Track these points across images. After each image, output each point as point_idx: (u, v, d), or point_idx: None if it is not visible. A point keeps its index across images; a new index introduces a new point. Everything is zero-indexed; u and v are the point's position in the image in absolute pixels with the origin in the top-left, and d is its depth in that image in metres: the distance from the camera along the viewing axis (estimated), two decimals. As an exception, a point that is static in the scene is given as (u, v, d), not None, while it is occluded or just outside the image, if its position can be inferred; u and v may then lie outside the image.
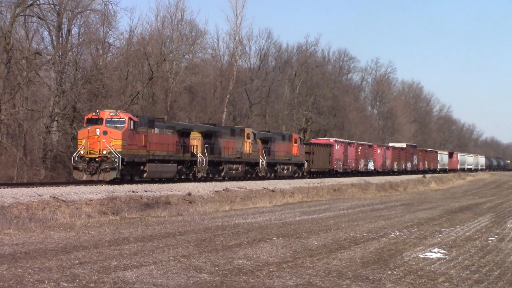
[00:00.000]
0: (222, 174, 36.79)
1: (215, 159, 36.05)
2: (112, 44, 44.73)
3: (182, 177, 33.81)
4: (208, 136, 35.70)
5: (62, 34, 40.10)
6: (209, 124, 40.44)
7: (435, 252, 13.74)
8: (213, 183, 35.78)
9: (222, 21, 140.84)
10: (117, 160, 27.03)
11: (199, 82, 51.50)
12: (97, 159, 27.39)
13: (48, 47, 41.54)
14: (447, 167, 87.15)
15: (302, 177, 46.47)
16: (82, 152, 27.76)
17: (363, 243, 15.02)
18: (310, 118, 70.60)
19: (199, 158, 34.43)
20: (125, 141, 28.00)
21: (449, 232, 18.45)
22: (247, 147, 38.70)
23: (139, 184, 30.20)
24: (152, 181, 33.28)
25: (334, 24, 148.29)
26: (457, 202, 34.67)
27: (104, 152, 27.25)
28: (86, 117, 29.58)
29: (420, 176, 67.52)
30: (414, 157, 73.38)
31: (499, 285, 9.98)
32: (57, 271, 10.08)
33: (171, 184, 32.15)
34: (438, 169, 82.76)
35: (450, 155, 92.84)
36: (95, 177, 27.33)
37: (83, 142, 27.84)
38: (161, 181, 33.00)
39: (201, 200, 28.86)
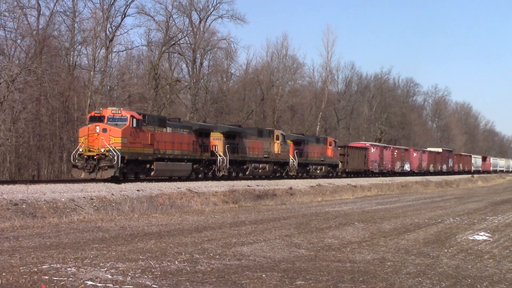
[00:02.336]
0: (247, 172, 38.00)
1: (238, 158, 36.69)
2: (233, 73, 65.49)
3: (200, 175, 33.73)
4: (231, 137, 36.30)
5: (196, 66, 57.60)
6: (234, 125, 42.15)
7: (481, 235, 16.96)
8: (308, 180, 42.20)
9: (317, 56, 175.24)
10: (115, 158, 26.02)
11: (298, 102, 69.84)
12: (95, 157, 26.40)
13: (186, 76, 59.04)
14: (480, 169, 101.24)
15: (337, 176, 51.23)
16: (80, 150, 27.05)
17: (425, 227, 19.00)
18: (383, 130, 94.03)
19: (219, 157, 34.59)
20: (126, 139, 27.00)
21: (493, 219, 22.30)
22: (276, 147, 40.94)
23: (252, 180, 35.87)
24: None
25: (403, 56, 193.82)
26: (499, 196, 41.72)
27: (102, 150, 26.30)
28: (89, 115, 29.01)
29: (469, 175, 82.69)
30: (450, 160, 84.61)
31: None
32: (191, 246, 13.40)
33: (276, 180, 38.88)
34: (472, 171, 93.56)
35: (484, 158, 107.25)
36: (93, 175, 26.54)
37: (82, 139, 27.11)
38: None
39: (300, 193, 34.99)
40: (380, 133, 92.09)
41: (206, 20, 57.44)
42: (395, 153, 64.73)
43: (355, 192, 39.41)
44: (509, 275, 10.99)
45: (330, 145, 50.08)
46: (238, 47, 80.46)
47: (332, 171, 50.88)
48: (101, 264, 10.63)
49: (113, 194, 23.02)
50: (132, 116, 27.49)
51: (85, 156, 26.55)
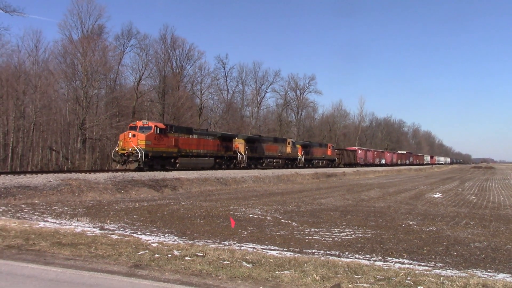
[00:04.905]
0: (264, 165, 54.52)
1: (255, 156, 52.34)
2: (316, 118, 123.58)
3: (223, 167, 46.12)
4: (251, 142, 51.84)
5: (298, 115, 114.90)
6: (256, 135, 61.29)
7: (437, 195, 31.96)
8: (355, 168, 73.35)
9: (354, 108, 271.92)
10: (140, 155, 34.21)
11: (347, 131, 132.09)
12: (125, 154, 34.67)
13: (293, 120, 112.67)
14: (429, 162, 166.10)
15: (335, 166, 75.78)
16: (117, 149, 35.83)
17: (409, 191, 34.11)
18: (388, 144, 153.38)
19: (239, 155, 48.63)
20: (150, 141, 35.17)
21: (442, 187, 41.50)
22: (288, 149, 60.40)
23: (332, 169, 60.73)
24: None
25: (400, 106, 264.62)
26: (445, 176, 77.35)
27: (130, 149, 34.47)
28: (129, 125, 37.46)
29: (425, 166, 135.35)
30: (411, 158, 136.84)
31: (462, 207, 26.15)
32: (297, 199, 26.89)
33: (337, 169, 65.43)
34: (424, 163, 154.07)
35: (431, 157, 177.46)
36: (124, 167, 34.74)
37: (120, 142, 35.64)
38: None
39: (349, 174, 58.58)
40: (386, 145, 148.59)
41: (303, 93, 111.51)
42: (375, 153, 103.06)
43: (375, 174, 68.44)
44: (451, 213, 22.07)
45: (329, 148, 76.73)
46: (318, 106, 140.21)
47: (331, 163, 76.02)
48: (255, 207, 22.59)
49: (260, 174, 41.04)
50: (156, 126, 36.38)
51: (119, 153, 35.12)
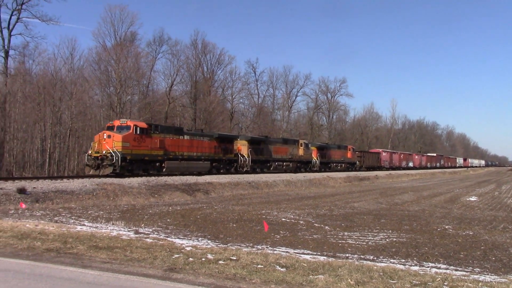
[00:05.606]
0: (271, 168, 49.31)
1: (261, 158, 47.27)
2: (347, 121, 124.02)
3: (222, 171, 41.28)
4: (255, 143, 46.63)
5: (330, 118, 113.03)
6: (262, 135, 54.79)
7: (473, 198, 30.95)
8: (387, 171, 70.39)
9: (386, 110, 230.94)
10: (115, 158, 30.32)
11: (379, 134, 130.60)
12: (99, 157, 30.88)
13: (325, 123, 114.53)
14: (462, 165, 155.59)
15: (355, 170, 70.64)
16: (90, 152, 32.08)
17: (444, 194, 33.46)
18: (422, 147, 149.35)
19: (241, 158, 43.81)
20: (128, 143, 31.28)
21: (478, 190, 40.33)
22: (300, 151, 55.26)
23: (362, 172, 59.85)
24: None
25: (433, 106, 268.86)
26: (481, 179, 76.31)
27: (104, 152, 30.73)
28: (107, 125, 33.82)
29: (459, 169, 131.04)
30: (441, 160, 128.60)
31: (500, 211, 25.52)
32: (329, 202, 26.73)
33: (369, 172, 63.13)
34: (456, 166, 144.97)
35: (464, 159, 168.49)
36: (97, 172, 30.77)
37: (94, 144, 31.93)
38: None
39: (382, 177, 57.97)
40: (419, 148, 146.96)
41: (334, 97, 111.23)
42: (401, 156, 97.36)
43: (408, 177, 67.32)
44: (488, 217, 21.61)
45: (349, 150, 71.75)
46: (350, 109, 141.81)
47: (351, 167, 70.61)
48: (288, 211, 22.58)
49: (292, 178, 41.20)
50: (136, 125, 32.20)
51: (93, 157, 31.36)
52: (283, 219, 19.23)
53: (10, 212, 18.50)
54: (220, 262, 9.33)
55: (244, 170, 44.37)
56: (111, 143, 30.72)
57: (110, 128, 32.20)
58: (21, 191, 21.53)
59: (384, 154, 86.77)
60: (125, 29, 65.50)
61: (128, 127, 31.86)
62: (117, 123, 32.65)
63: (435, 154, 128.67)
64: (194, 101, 70.64)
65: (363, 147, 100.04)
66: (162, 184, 28.88)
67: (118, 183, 26.79)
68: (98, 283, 7.63)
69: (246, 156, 44.67)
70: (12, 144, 48.45)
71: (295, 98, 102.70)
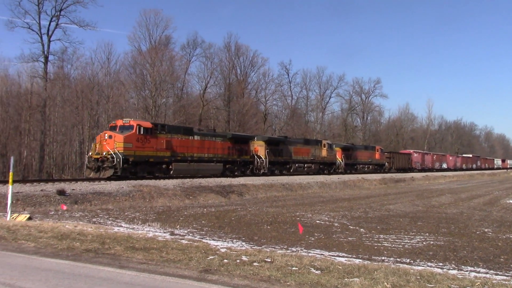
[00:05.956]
0: (291, 170, 46.84)
1: (280, 160, 45.01)
2: (382, 122, 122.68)
3: (236, 173, 38.85)
4: (273, 144, 44.24)
5: (364, 119, 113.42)
6: (281, 136, 52.04)
7: None
8: (424, 173, 69.89)
9: (422, 111, 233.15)
10: (116, 160, 28.61)
11: (415, 135, 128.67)
12: (99, 159, 29.19)
13: (359, 124, 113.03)
14: (501, 166, 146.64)
15: (384, 172, 67.74)
16: (90, 153, 30.61)
17: (483, 196, 32.48)
18: (459, 148, 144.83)
19: (257, 159, 41.63)
20: (130, 144, 29.59)
21: None
22: (323, 152, 52.85)
23: (398, 174, 58.39)
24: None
25: (471, 107, 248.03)
26: None
27: (104, 153, 29.13)
28: (109, 125, 32.19)
29: (498, 171, 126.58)
30: (478, 161, 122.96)
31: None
32: (364, 204, 26.45)
33: (405, 174, 62.22)
34: (494, 168, 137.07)
35: (503, 160, 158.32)
36: (97, 175, 29.16)
37: (96, 145, 30.27)
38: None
39: (418, 179, 57.90)
40: (457, 149, 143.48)
41: (368, 98, 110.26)
42: (434, 157, 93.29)
43: (445, 179, 66.15)
44: None
45: (377, 151, 68.87)
46: (384, 110, 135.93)
47: (379, 169, 68.17)
48: (322, 213, 22.43)
49: (326, 180, 40.84)
50: (139, 125, 30.48)
51: (93, 159, 29.74)
52: (318, 221, 19.11)
53: (50, 213, 19.00)
54: (255, 264, 9.35)
55: (261, 172, 42.41)
56: (112, 144, 29.23)
57: (113, 128, 30.74)
58: (61, 192, 22.09)
59: (415, 155, 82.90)
60: (160, 33, 66.59)
61: (131, 127, 30.31)
62: (119, 122, 31.06)
63: (471, 155, 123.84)
64: (228, 103, 71.08)
65: (399, 149, 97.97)
66: (196, 186, 29.14)
67: (154, 185, 27.17)
68: (135, 284, 7.75)
69: (263, 157, 42.60)
70: (52, 147, 49.81)
71: (329, 99, 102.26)
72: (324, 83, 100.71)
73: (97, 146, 29.78)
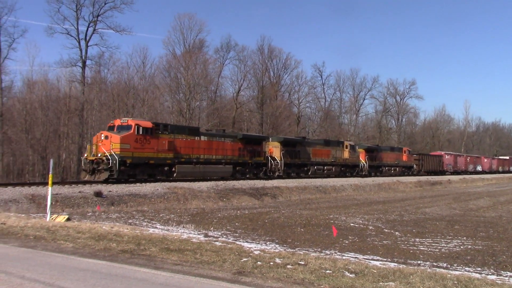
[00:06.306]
0: (309, 173, 44.36)
1: (297, 162, 42.55)
2: (417, 124, 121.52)
3: (247, 176, 36.80)
4: (290, 145, 41.98)
5: (399, 121, 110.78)
6: (298, 137, 49.61)
7: None
8: (459, 176, 68.84)
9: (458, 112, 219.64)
10: (112, 162, 27.02)
11: (451, 137, 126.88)
12: (95, 161, 27.58)
13: (394, 126, 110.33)
14: None
15: (412, 175, 65.12)
16: (85, 155, 29.06)
17: None
18: (498, 150, 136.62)
19: (271, 161, 39.37)
20: (128, 144, 27.90)
21: None
22: (345, 153, 50.33)
23: (433, 176, 57.65)
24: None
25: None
26: None
27: (99, 155, 27.46)
28: (108, 125, 30.48)
29: None
30: None
31: None
32: (399, 207, 26.02)
33: (442, 176, 61.67)
34: None
35: None
36: (92, 178, 27.73)
37: (92, 146, 28.79)
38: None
39: (455, 182, 56.41)
40: (495, 152, 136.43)
41: (403, 99, 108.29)
42: (468, 159, 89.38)
43: (484, 182, 64.99)
44: None
45: (404, 152, 65.65)
46: (420, 111, 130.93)
47: (407, 171, 65.27)
48: (356, 216, 22.21)
49: (360, 183, 40.67)
50: (138, 125, 28.64)
51: (88, 160, 28.11)
52: (352, 224, 18.95)
53: (88, 214, 19.44)
54: (288, 266, 9.33)
55: (276, 175, 40.06)
56: (108, 145, 27.53)
57: (111, 128, 29.13)
58: (98, 194, 22.57)
59: (447, 157, 79.14)
60: (194, 36, 67.35)
61: (129, 127, 28.54)
62: (117, 122, 29.39)
63: (507, 157, 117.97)
64: (261, 106, 71.25)
65: (434, 151, 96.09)
66: (230, 188, 29.30)
67: (188, 187, 27.46)
68: (169, 285, 7.85)
69: (278, 159, 40.19)
70: (89, 149, 50.87)
71: (363, 101, 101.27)
72: (358, 85, 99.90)
73: (94, 147, 28.41)
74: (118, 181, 27.95)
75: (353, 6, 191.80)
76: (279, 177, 39.68)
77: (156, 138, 29.61)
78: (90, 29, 56.78)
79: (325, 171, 46.71)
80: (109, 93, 55.07)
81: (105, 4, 57.24)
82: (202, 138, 33.27)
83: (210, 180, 33.33)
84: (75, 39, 56.24)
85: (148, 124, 29.49)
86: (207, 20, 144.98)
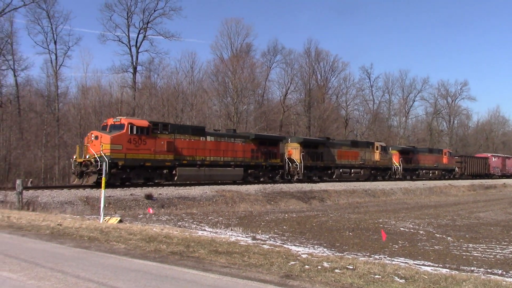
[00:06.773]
0: (334, 176, 41.03)
1: (319, 165, 39.21)
2: (470, 126, 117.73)
3: (262, 180, 34.06)
4: (311, 146, 38.67)
5: (450, 122, 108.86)
6: (321, 137, 45.57)
7: None
8: (511, 180, 63.70)
9: None
10: (102, 164, 23.90)
11: (507, 139, 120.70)
12: (83, 163, 25.44)
13: (445, 128, 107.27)
14: None
15: (454, 178, 59.75)
16: (74, 157, 26.55)
17: None
18: None
19: (289, 163, 36.38)
20: (120, 145, 25.58)
21: None
22: (376, 156, 46.85)
23: (488, 180, 56.85)
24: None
25: None
26: None
27: (87, 157, 25.24)
28: (102, 124, 28.42)
29: None
30: None
31: None
32: (452, 212, 25.29)
33: (497, 180, 58.89)
34: None
35: None
36: (80, 181, 25.71)
37: (82, 147, 26.53)
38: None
39: (510, 186, 55.02)
40: None
41: (455, 101, 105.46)
42: None
43: None
44: None
45: (445, 154, 60.74)
46: (472, 113, 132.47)
47: (448, 174, 60.33)
48: (406, 220, 21.90)
49: (410, 186, 40.21)
50: (131, 124, 26.32)
51: (77, 163, 25.90)
52: (402, 229, 18.61)
53: (139, 216, 19.94)
54: (336, 270, 9.26)
55: (295, 178, 37.12)
56: (98, 146, 25.11)
57: (103, 128, 26.95)
58: (149, 197, 23.11)
59: (494, 159, 73.85)
60: (241, 41, 67.90)
61: (121, 126, 26.12)
62: (110, 121, 27.02)
63: None
64: (308, 109, 70.95)
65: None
66: (277, 191, 29.34)
67: (236, 190, 27.69)
68: (218, 287, 7.95)
69: (297, 161, 37.05)
70: (139, 153, 52.10)
71: (413, 103, 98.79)
72: (407, 87, 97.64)
73: (84, 148, 26.11)
74: (112, 185, 25.08)
75: (399, 7, 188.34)
76: (299, 180, 37.02)
77: (153, 138, 27.30)
78: (141, 36, 58.27)
79: (352, 174, 43.79)
80: (159, 98, 56.22)
81: (154, 11, 58.58)
82: (208, 138, 30.83)
83: (259, 183, 33.29)
84: (126, 45, 57.86)
85: (143, 123, 27.25)
86: (254, 24, 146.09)
